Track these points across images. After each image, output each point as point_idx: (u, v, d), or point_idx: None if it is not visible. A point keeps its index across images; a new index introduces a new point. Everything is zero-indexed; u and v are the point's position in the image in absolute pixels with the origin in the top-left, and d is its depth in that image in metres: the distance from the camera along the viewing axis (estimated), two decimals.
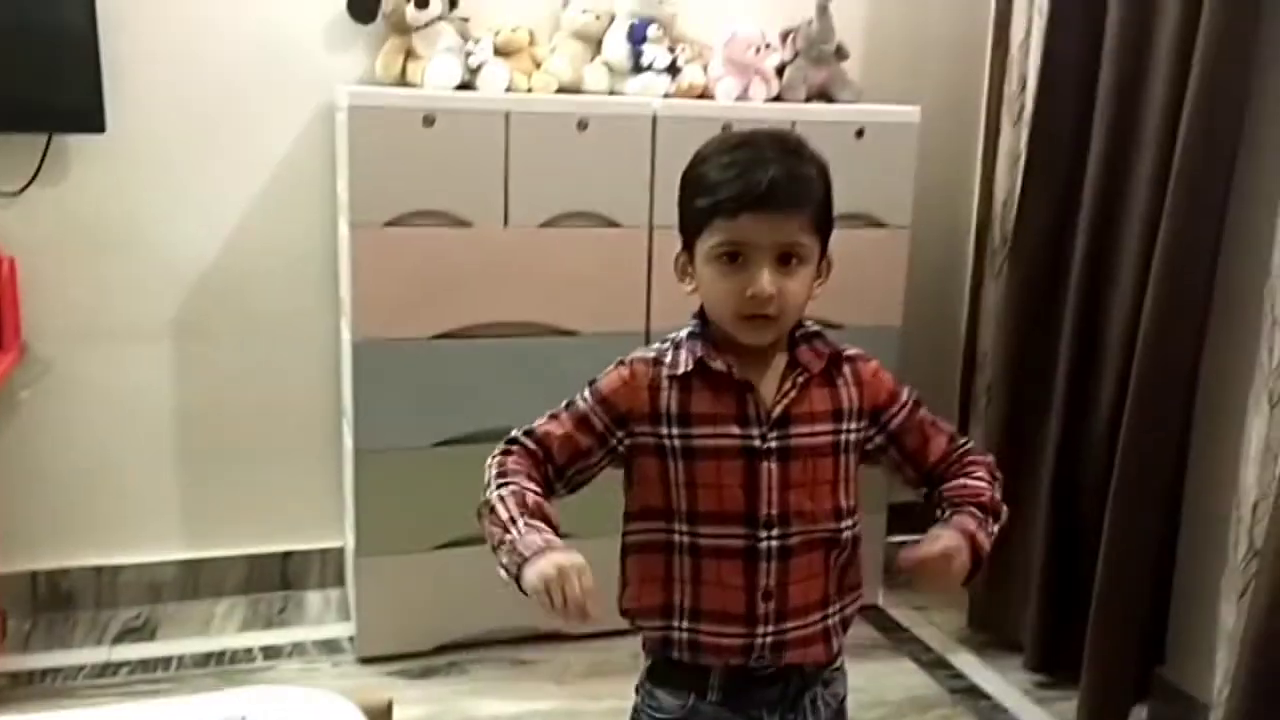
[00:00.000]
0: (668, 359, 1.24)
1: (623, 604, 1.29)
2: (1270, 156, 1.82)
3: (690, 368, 1.22)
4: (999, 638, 2.46)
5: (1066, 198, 2.25)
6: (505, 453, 1.26)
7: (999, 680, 2.35)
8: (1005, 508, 1.27)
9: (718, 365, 1.22)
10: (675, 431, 1.22)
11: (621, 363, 1.26)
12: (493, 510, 1.19)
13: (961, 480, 1.27)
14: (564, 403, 1.27)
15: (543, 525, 1.17)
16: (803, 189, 1.18)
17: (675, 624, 1.24)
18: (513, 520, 1.17)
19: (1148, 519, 2.07)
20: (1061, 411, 2.22)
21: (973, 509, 1.23)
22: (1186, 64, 1.93)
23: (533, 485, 1.21)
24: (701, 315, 1.25)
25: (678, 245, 1.26)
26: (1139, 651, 2.13)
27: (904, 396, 1.30)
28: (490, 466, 1.24)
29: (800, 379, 1.23)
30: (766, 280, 1.16)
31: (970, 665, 2.41)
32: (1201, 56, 1.89)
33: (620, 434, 1.24)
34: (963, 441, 1.32)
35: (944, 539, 1.19)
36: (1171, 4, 1.98)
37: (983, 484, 1.26)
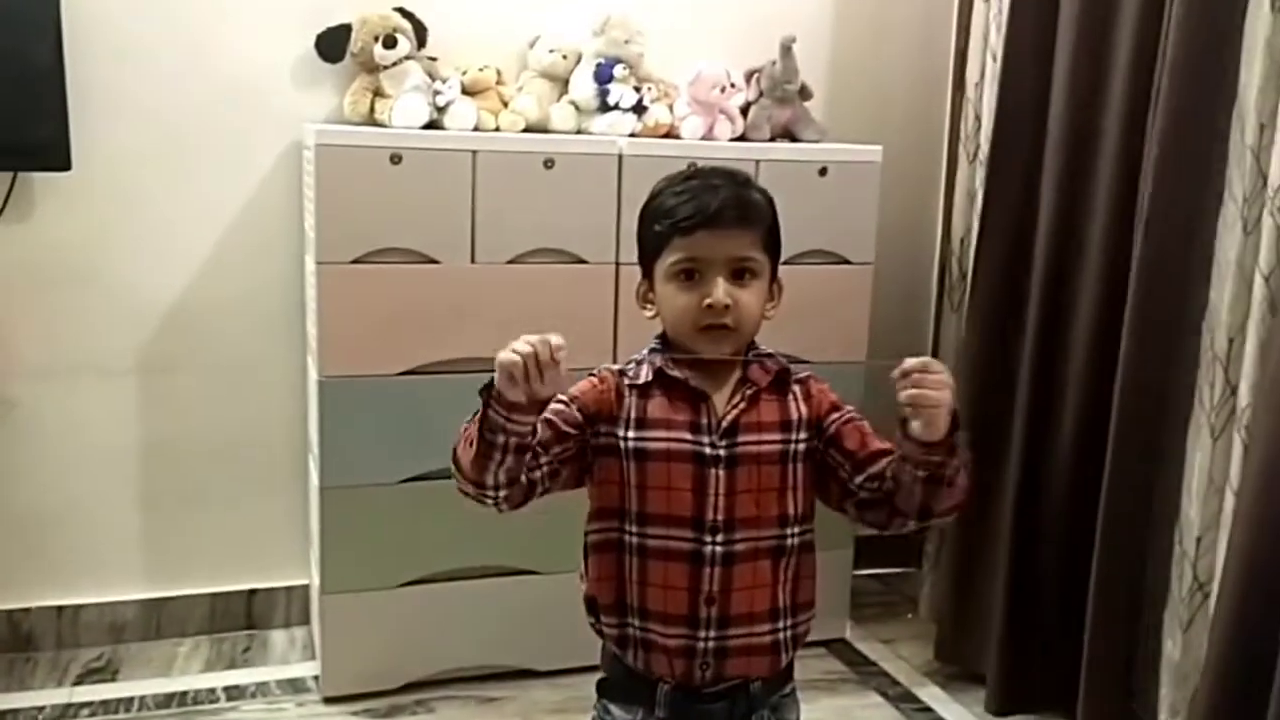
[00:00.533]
0: (630, 371, 1.33)
1: (588, 590, 1.35)
2: (1206, 190, 1.87)
3: (650, 378, 1.31)
4: (965, 670, 2.47)
5: (1022, 233, 2.29)
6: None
7: (965, 713, 2.36)
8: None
9: (675, 373, 1.30)
10: (631, 434, 1.30)
11: (592, 372, 1.35)
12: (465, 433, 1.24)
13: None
14: None
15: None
16: (751, 209, 1.30)
17: (630, 620, 1.30)
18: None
19: (1109, 551, 2.10)
20: (1021, 447, 2.25)
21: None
22: (1138, 116, 2.00)
23: None
24: (663, 337, 1.34)
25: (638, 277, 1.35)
26: (1100, 683, 2.16)
27: (846, 408, 1.36)
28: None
29: (749, 391, 1.31)
30: (722, 290, 1.26)
31: (937, 699, 2.41)
32: (1166, 99, 1.94)
33: (588, 430, 1.30)
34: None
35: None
36: (1124, 43, 2.03)
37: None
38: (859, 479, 1.30)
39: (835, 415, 1.34)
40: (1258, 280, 1.77)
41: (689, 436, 1.29)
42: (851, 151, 2.46)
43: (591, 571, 1.34)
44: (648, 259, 1.34)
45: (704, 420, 1.29)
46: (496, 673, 2.36)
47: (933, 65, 2.83)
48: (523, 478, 1.25)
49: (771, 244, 1.32)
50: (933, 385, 1.19)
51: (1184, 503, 1.92)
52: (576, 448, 1.30)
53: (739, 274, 1.28)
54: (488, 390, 1.20)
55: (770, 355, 1.35)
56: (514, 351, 1.17)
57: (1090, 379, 2.10)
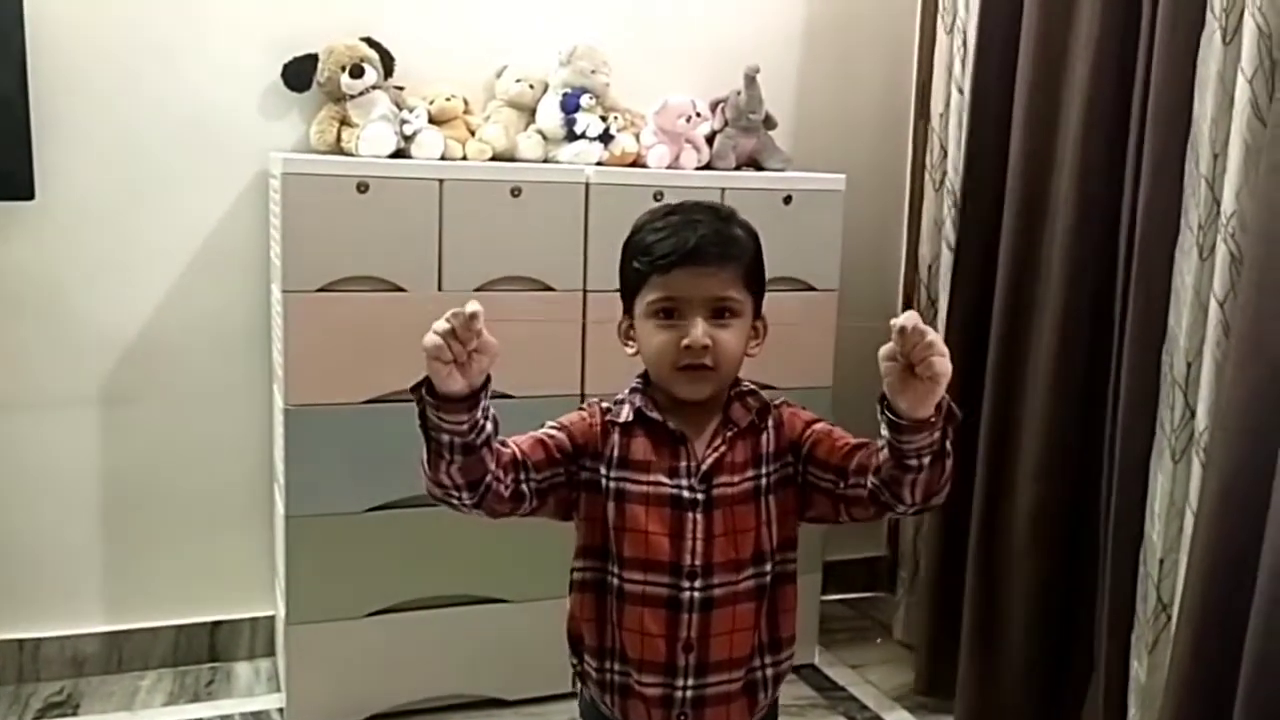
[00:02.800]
0: (613, 410, 1.31)
1: (570, 625, 1.33)
2: (1164, 219, 1.91)
3: (630, 418, 1.29)
4: (942, 695, 2.48)
5: (989, 263, 2.32)
6: None
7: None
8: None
9: (654, 415, 1.28)
10: (613, 474, 1.28)
11: (581, 407, 1.34)
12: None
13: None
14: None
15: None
16: (731, 246, 1.27)
17: (611, 665, 1.29)
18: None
19: (1078, 576, 2.12)
20: (985, 473, 2.27)
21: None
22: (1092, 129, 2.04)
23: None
24: (645, 377, 1.32)
25: (619, 313, 1.34)
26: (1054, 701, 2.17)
27: (815, 429, 1.32)
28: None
29: (729, 433, 1.29)
30: (700, 330, 1.23)
31: None
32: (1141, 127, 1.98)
33: (574, 465, 1.29)
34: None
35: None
36: (1079, 77, 2.07)
37: None
38: (843, 485, 1.25)
39: (808, 432, 1.31)
40: (1213, 305, 1.80)
41: (667, 480, 1.27)
42: (815, 180, 2.48)
43: (576, 610, 1.32)
44: (628, 296, 1.31)
45: (682, 463, 1.27)
46: (464, 703, 2.34)
47: (896, 95, 2.87)
48: (491, 481, 1.19)
49: (754, 282, 1.30)
50: (940, 349, 1.09)
51: (1147, 525, 1.95)
52: (565, 476, 1.28)
53: (719, 313, 1.25)
54: (418, 388, 1.16)
55: (753, 392, 1.33)
56: (434, 333, 1.12)
57: (1054, 403, 2.12)
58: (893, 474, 1.18)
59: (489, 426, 1.19)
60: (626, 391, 1.33)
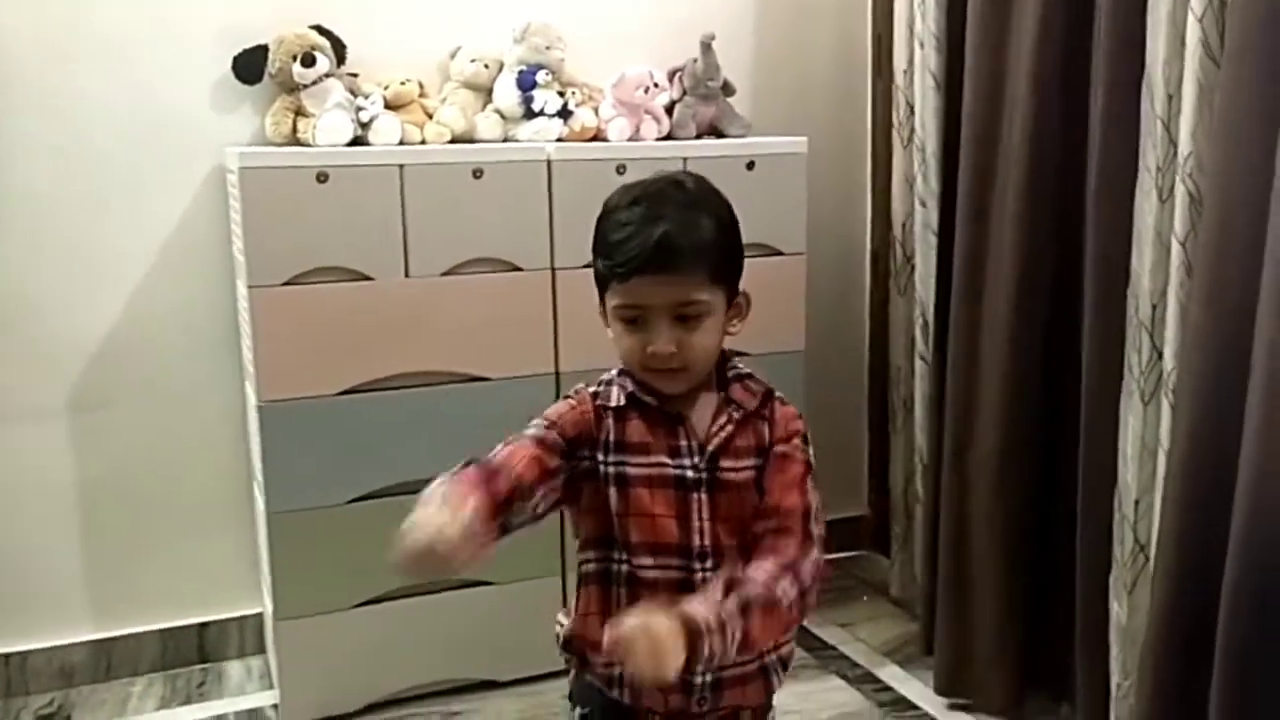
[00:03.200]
0: (602, 393, 1.28)
1: (568, 632, 1.30)
2: (1122, 160, 1.92)
3: (623, 402, 1.26)
4: (928, 649, 2.49)
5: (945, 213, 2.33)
6: (459, 471, 1.19)
7: (925, 691, 2.39)
8: (787, 611, 1.16)
9: (648, 399, 1.25)
10: (611, 459, 1.24)
11: (568, 395, 1.30)
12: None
13: (756, 562, 1.19)
14: (512, 436, 1.25)
15: (466, 485, 1.13)
16: (695, 248, 1.19)
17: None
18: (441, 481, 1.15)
19: (1056, 517, 2.15)
20: (952, 423, 2.28)
21: (731, 594, 1.13)
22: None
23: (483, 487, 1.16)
24: None
25: (594, 290, 1.28)
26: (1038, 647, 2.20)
27: (800, 443, 1.28)
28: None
29: (736, 414, 1.26)
30: (664, 340, 1.19)
31: (897, 678, 2.45)
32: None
33: (574, 458, 1.24)
34: (810, 524, 1.24)
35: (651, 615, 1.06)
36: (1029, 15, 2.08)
37: (768, 575, 1.16)
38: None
39: (785, 445, 1.27)
40: (1174, 246, 1.81)
41: (669, 460, 1.23)
42: (777, 144, 2.48)
43: (580, 606, 1.29)
44: (599, 286, 1.26)
45: (683, 443, 1.24)
46: (458, 686, 2.35)
47: (852, 54, 2.86)
48: (518, 521, 1.18)
49: (724, 274, 1.23)
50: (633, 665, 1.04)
51: (1120, 468, 1.97)
52: (565, 476, 1.23)
53: (683, 316, 1.20)
54: None
55: (750, 375, 1.30)
56: (410, 540, 1.07)
57: (1014, 351, 2.14)
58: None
59: (515, 519, 1.18)
60: (615, 372, 1.29)
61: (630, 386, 1.26)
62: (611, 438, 1.25)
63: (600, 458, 1.25)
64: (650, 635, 1.03)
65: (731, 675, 1.25)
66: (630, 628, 1.03)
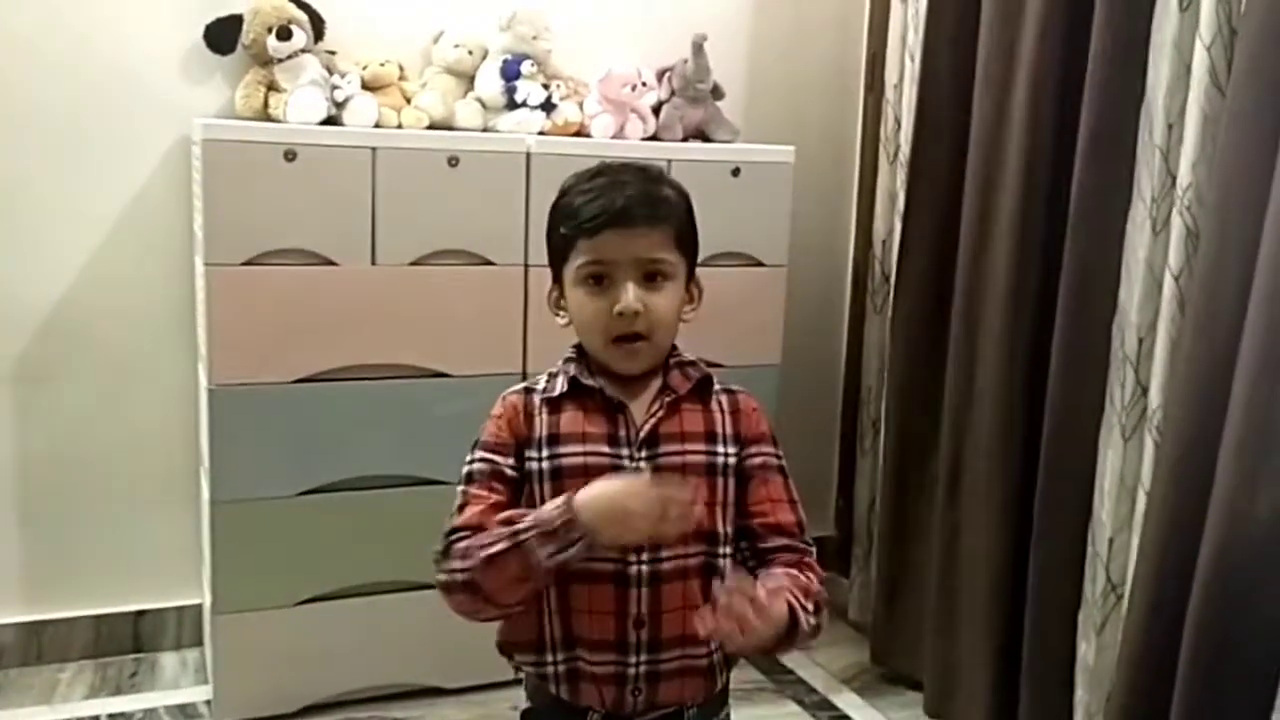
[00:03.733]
0: (541, 385, 1.26)
1: (498, 637, 1.28)
2: (1113, 192, 1.87)
3: (565, 389, 1.24)
4: (893, 673, 2.47)
5: (945, 236, 2.27)
6: (447, 548, 1.19)
7: (881, 719, 2.34)
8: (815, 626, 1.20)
9: (590, 382, 1.23)
10: (544, 454, 1.22)
11: (493, 412, 1.27)
12: (471, 557, 1.16)
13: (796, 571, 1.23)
14: (462, 478, 1.24)
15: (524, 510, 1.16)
16: (660, 207, 1.23)
17: (549, 658, 1.23)
18: (503, 529, 1.15)
19: (1026, 553, 2.10)
20: (948, 447, 2.24)
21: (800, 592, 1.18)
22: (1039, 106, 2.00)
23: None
24: (579, 348, 1.27)
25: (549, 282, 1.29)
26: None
27: (771, 447, 1.29)
28: (440, 567, 1.20)
29: (668, 399, 1.25)
30: (632, 295, 1.19)
31: (854, 705, 2.39)
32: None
33: (521, 464, 1.23)
34: (807, 539, 1.28)
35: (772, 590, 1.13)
36: (1029, 41, 2.02)
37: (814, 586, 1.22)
38: (741, 542, 1.25)
39: (758, 450, 1.27)
40: (1167, 280, 1.77)
41: (606, 449, 1.22)
42: (764, 152, 2.43)
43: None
44: (557, 263, 1.26)
45: (621, 432, 1.23)
46: (401, 692, 2.27)
47: (845, 67, 2.82)
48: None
49: (686, 243, 1.25)
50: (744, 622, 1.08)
51: (1096, 504, 1.92)
52: (519, 491, 1.23)
53: (650, 276, 1.21)
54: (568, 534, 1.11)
55: (692, 363, 1.29)
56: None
57: (1006, 382, 2.09)
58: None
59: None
60: (560, 363, 1.28)
61: (573, 371, 1.25)
62: (544, 432, 1.23)
63: (532, 454, 1.23)
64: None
65: (669, 669, 1.23)
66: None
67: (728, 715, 1.33)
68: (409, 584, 2.22)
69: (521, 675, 1.31)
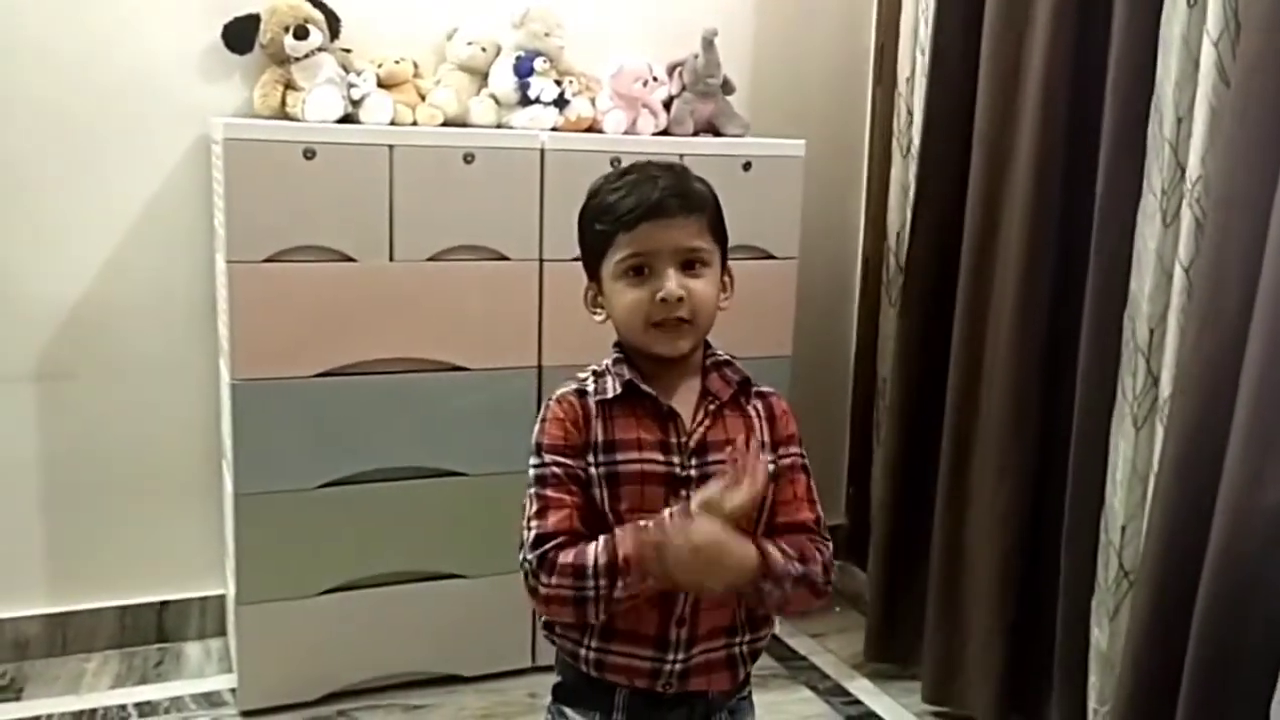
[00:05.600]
0: (592, 387, 1.27)
1: (544, 614, 1.29)
2: (1125, 183, 1.89)
3: (619, 391, 1.25)
4: (895, 662, 2.49)
5: (952, 229, 2.29)
6: (543, 557, 1.20)
7: (894, 705, 2.37)
8: (813, 594, 1.25)
9: (646, 389, 1.25)
10: (601, 459, 1.24)
11: (548, 407, 1.27)
12: (566, 587, 1.19)
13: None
14: (532, 486, 1.25)
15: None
16: (694, 197, 1.26)
17: (585, 641, 1.26)
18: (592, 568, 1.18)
19: (1038, 542, 2.12)
20: (950, 437, 2.26)
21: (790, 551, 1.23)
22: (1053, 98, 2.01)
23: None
24: (620, 346, 1.29)
25: (583, 281, 1.31)
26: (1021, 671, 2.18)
27: (798, 447, 1.32)
28: (539, 580, 1.20)
29: (712, 407, 1.27)
30: (674, 282, 1.22)
31: (867, 691, 2.42)
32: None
33: (585, 466, 1.24)
34: (825, 534, 1.31)
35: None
36: (1040, 37, 2.04)
37: (813, 560, 1.25)
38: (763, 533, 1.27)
39: (787, 451, 1.30)
40: (1177, 271, 1.79)
41: (660, 457, 1.24)
42: (775, 146, 2.45)
43: None
44: (593, 260, 1.28)
45: (673, 439, 1.25)
46: (421, 680, 2.30)
47: (855, 60, 2.83)
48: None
49: (718, 232, 1.29)
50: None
51: (1109, 492, 1.94)
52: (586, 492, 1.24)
53: (689, 264, 1.24)
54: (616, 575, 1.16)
55: (728, 362, 1.31)
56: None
57: (1015, 372, 2.11)
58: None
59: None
60: (608, 363, 1.28)
61: (628, 374, 1.25)
62: (600, 437, 1.24)
63: (590, 459, 1.24)
64: (717, 544, 1.14)
65: (698, 663, 1.26)
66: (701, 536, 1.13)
67: (749, 695, 1.36)
68: (429, 574, 2.27)
69: (556, 646, 1.33)
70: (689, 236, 1.23)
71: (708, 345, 1.32)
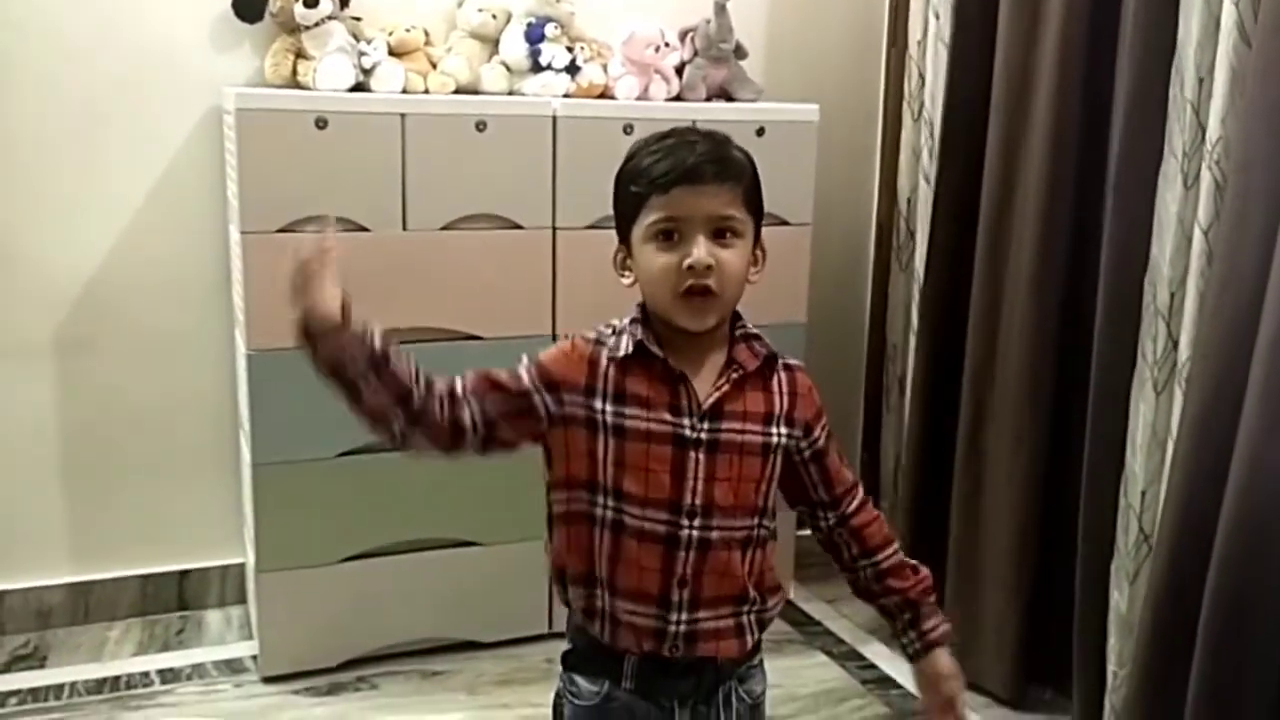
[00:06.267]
0: (609, 341, 1.26)
1: (554, 562, 1.31)
2: (1146, 145, 1.88)
3: (630, 351, 1.24)
4: None
5: (971, 193, 2.28)
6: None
7: (908, 669, 2.36)
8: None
9: (655, 350, 1.24)
10: (609, 408, 1.23)
11: (565, 338, 1.29)
12: None
13: (894, 560, 1.38)
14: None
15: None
16: (731, 165, 1.24)
17: (599, 593, 1.26)
18: None
19: (1057, 504, 2.12)
20: (968, 406, 2.25)
21: (931, 606, 1.39)
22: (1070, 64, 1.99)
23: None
24: (643, 308, 1.28)
25: (601, 248, 1.30)
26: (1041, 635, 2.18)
27: (825, 421, 1.33)
28: None
29: (735, 375, 1.26)
30: (703, 249, 1.20)
31: (881, 655, 2.43)
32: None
33: (549, 398, 1.24)
34: (861, 488, 1.39)
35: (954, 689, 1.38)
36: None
37: (912, 572, 1.38)
38: (829, 515, 1.35)
39: (820, 427, 1.32)
40: (1197, 234, 1.77)
41: (669, 417, 1.23)
42: (788, 111, 2.43)
43: (558, 542, 1.29)
44: (625, 223, 1.27)
45: (683, 402, 1.24)
46: (439, 646, 2.33)
47: (868, 23, 2.80)
48: (418, 398, 1.21)
49: (753, 203, 1.26)
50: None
51: (1128, 456, 1.94)
52: (526, 406, 1.24)
53: (720, 233, 1.21)
54: (304, 337, 1.20)
55: (757, 336, 1.30)
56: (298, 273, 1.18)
57: (1033, 339, 2.10)
58: (866, 586, 1.40)
59: (377, 339, 1.20)
60: (626, 321, 1.28)
61: (640, 335, 1.25)
62: (610, 387, 1.24)
63: (598, 406, 1.24)
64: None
65: (706, 629, 1.26)
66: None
67: (761, 662, 1.36)
68: (447, 541, 2.28)
69: (567, 611, 1.33)
70: (722, 205, 1.21)
71: (738, 316, 1.30)
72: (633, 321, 1.27)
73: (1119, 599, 1.97)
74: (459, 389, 1.23)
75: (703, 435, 1.23)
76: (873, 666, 2.39)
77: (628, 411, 1.23)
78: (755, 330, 1.31)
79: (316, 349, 1.18)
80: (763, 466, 1.26)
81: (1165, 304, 1.86)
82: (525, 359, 1.27)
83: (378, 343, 1.19)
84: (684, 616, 1.24)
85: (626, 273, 1.28)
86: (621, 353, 1.25)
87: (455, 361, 2.14)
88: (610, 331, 1.28)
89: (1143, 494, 1.91)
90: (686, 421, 1.23)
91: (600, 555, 1.25)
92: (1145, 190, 1.86)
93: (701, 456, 1.23)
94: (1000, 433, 2.18)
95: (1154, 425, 1.89)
